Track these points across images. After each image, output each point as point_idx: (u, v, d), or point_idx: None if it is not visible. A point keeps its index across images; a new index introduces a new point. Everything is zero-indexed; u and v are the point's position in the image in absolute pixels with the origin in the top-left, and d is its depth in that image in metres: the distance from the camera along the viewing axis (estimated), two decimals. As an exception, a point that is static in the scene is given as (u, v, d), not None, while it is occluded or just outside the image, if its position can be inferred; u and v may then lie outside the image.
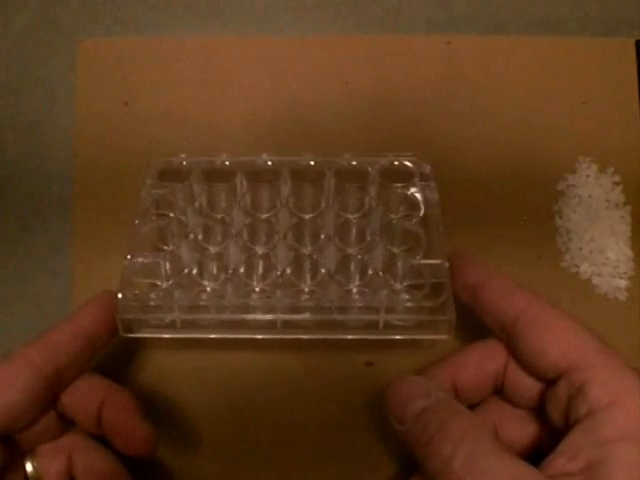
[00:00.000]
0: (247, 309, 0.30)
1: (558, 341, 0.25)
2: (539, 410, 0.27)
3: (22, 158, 0.37)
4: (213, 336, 0.30)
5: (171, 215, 0.33)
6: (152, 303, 0.30)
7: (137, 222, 0.31)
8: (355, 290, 0.32)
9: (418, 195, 0.33)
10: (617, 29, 0.39)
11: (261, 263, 0.33)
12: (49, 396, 0.27)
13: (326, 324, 0.30)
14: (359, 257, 0.32)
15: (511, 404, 0.28)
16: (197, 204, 0.33)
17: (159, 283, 0.31)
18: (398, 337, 0.30)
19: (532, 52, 0.38)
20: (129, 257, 0.30)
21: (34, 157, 0.37)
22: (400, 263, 0.31)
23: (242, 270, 0.32)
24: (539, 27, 0.39)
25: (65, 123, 0.37)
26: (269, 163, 0.34)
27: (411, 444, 0.25)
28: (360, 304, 0.30)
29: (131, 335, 0.30)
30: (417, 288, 0.31)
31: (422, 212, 0.33)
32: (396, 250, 0.32)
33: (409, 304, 0.30)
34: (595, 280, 0.35)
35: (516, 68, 0.38)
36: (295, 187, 0.34)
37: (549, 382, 0.26)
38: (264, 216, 0.33)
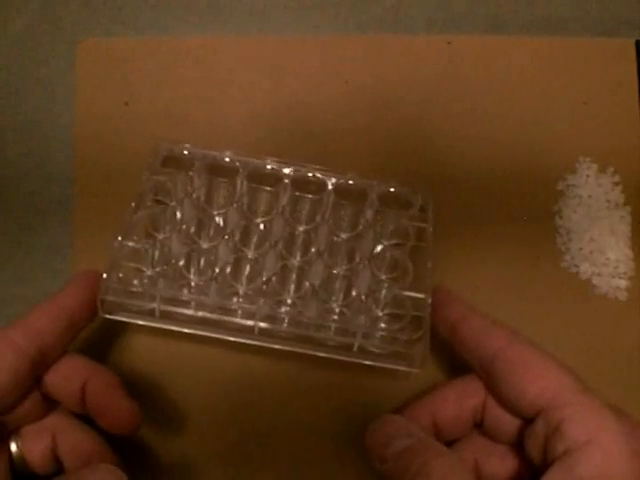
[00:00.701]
0: (227, 311, 0.30)
1: (536, 380, 0.25)
2: (519, 445, 0.27)
3: (22, 158, 0.37)
4: (189, 331, 0.30)
5: (168, 203, 0.33)
6: (134, 289, 0.30)
7: (133, 204, 0.31)
8: (336, 309, 0.32)
9: (412, 224, 0.33)
10: (617, 29, 0.39)
11: (248, 267, 0.33)
12: (33, 377, 0.27)
13: (302, 338, 0.30)
14: (345, 277, 0.33)
15: (491, 439, 0.28)
16: (195, 196, 0.33)
17: (145, 269, 0.31)
18: (369, 363, 0.30)
19: (532, 52, 0.38)
20: (119, 239, 0.30)
21: (34, 157, 0.37)
22: (384, 291, 0.32)
23: (228, 270, 0.32)
24: (539, 27, 0.39)
25: (65, 123, 0.37)
26: (272, 168, 0.34)
27: None
28: (337, 325, 0.30)
29: (109, 317, 0.30)
30: (397, 318, 0.31)
31: (413, 242, 0.33)
32: (382, 277, 0.32)
33: (385, 333, 0.30)
34: (595, 280, 0.35)
35: (516, 68, 0.38)
36: (294, 197, 0.34)
37: (527, 420, 0.26)
38: (259, 220, 0.34)
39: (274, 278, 0.31)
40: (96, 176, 0.36)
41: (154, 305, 0.29)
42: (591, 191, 0.36)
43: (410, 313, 0.31)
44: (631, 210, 0.36)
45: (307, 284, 0.31)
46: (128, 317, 0.30)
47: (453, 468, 0.24)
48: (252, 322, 0.29)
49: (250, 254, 0.33)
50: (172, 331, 0.31)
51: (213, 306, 0.30)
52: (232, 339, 0.30)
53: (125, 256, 0.30)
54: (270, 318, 0.30)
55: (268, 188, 0.34)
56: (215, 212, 0.33)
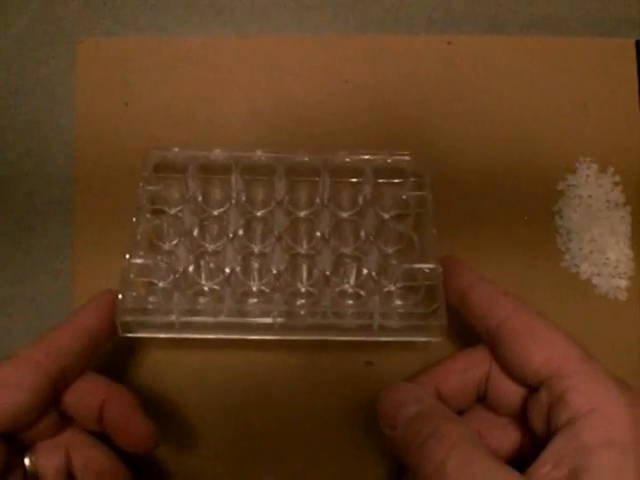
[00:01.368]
0: (244, 312, 0.30)
1: (540, 349, 0.26)
2: (521, 418, 0.27)
3: (22, 158, 0.37)
4: (211, 337, 0.30)
5: (167, 212, 0.33)
6: (151, 306, 0.30)
7: (134, 220, 0.32)
8: (350, 291, 0.33)
9: (411, 194, 0.33)
10: (617, 29, 0.39)
11: (257, 262, 0.33)
12: (53, 396, 0.27)
13: (322, 327, 0.30)
14: (354, 257, 0.33)
15: (494, 412, 0.29)
16: (192, 200, 0.33)
17: (157, 282, 0.32)
18: (392, 339, 0.30)
19: (532, 52, 0.38)
20: (128, 257, 0.30)
21: (34, 157, 0.37)
22: (394, 267, 0.32)
23: (239, 269, 0.32)
24: (539, 27, 0.39)
25: (65, 123, 0.37)
26: (264, 159, 0.34)
27: (403, 448, 0.26)
28: (355, 309, 0.30)
29: (130, 335, 0.30)
30: (411, 290, 0.32)
31: (414, 211, 0.33)
32: (390, 250, 0.33)
33: (402, 310, 0.30)
34: (595, 280, 0.35)
35: (516, 68, 0.38)
36: (290, 184, 0.34)
37: (531, 389, 0.26)
38: (259, 213, 0.34)
39: (285, 271, 0.31)
40: (96, 176, 0.36)
41: (172, 318, 0.30)
42: (591, 191, 0.36)
43: (424, 283, 0.31)
44: (631, 210, 0.36)
45: (318, 271, 0.31)
46: (148, 333, 0.30)
47: (464, 434, 0.24)
48: (271, 319, 0.30)
49: (257, 249, 0.33)
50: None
51: (230, 310, 0.30)
52: (253, 338, 0.30)
53: (136, 273, 0.31)
54: (287, 312, 0.30)
55: (263, 179, 0.34)
56: (215, 212, 0.33)
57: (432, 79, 0.38)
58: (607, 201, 0.36)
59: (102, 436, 0.29)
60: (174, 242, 0.32)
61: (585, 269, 0.35)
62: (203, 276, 0.33)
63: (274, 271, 0.31)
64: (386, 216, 0.33)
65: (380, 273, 0.32)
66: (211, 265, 0.33)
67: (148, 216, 0.33)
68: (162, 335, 0.30)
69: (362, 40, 0.38)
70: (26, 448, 0.28)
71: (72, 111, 0.37)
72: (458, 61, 0.38)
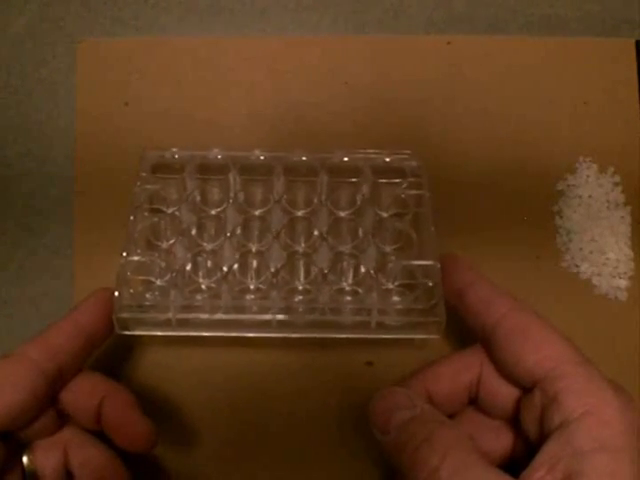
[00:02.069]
0: (242, 309, 0.30)
1: (534, 350, 0.25)
2: (513, 420, 0.27)
3: (22, 158, 0.37)
4: (208, 334, 0.30)
5: (165, 210, 0.33)
6: (148, 303, 0.30)
7: (131, 218, 0.32)
8: (348, 289, 0.32)
9: (409, 192, 0.33)
10: (617, 29, 0.39)
11: (255, 261, 0.33)
12: (50, 394, 0.27)
13: (319, 324, 0.30)
14: (352, 255, 0.33)
15: (486, 414, 0.28)
16: (190, 199, 0.33)
17: (154, 280, 0.32)
18: (390, 337, 0.30)
19: (532, 52, 0.38)
20: (124, 255, 0.30)
21: (34, 157, 0.37)
22: (392, 264, 0.31)
23: (236, 267, 0.32)
24: (539, 27, 0.39)
25: (65, 123, 0.37)
26: (262, 158, 0.34)
27: (395, 454, 0.25)
28: (352, 306, 0.30)
29: (127, 332, 0.30)
30: (409, 288, 0.31)
31: (413, 210, 0.33)
32: (388, 249, 0.33)
33: (400, 306, 0.30)
34: (595, 280, 0.35)
35: (516, 68, 0.38)
36: (287, 183, 0.34)
37: (525, 390, 0.26)
38: (257, 213, 0.34)
39: (282, 269, 0.31)
40: (97, 176, 0.36)
41: (169, 315, 0.30)
42: (591, 191, 0.36)
43: (422, 281, 0.31)
44: (631, 210, 0.36)
45: (316, 269, 0.31)
46: (145, 330, 0.30)
47: (457, 439, 0.24)
48: (268, 316, 0.30)
49: (254, 248, 0.33)
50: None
51: (227, 307, 0.30)
52: (250, 335, 0.30)
53: (132, 271, 0.31)
54: (285, 309, 0.30)
55: (261, 178, 0.34)
56: (213, 211, 0.33)
57: (432, 79, 0.38)
58: (607, 201, 0.36)
59: (101, 434, 0.29)
60: (171, 241, 0.32)
61: (585, 269, 0.35)
62: (200, 274, 0.33)
63: (272, 269, 0.31)
64: (385, 215, 0.33)
65: (378, 271, 0.31)
66: (209, 264, 0.33)
67: (146, 214, 0.33)
68: (159, 333, 0.30)
69: (362, 40, 0.38)
70: (24, 446, 0.28)
71: (72, 111, 0.37)
72: (458, 61, 0.38)
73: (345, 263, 0.33)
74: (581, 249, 0.35)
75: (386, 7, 0.39)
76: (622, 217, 0.36)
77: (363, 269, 0.32)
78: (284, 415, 0.34)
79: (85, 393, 0.28)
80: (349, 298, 0.32)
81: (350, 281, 0.33)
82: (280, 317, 0.30)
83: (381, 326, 0.30)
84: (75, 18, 0.39)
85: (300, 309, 0.30)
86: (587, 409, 0.23)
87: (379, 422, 0.26)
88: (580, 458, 0.22)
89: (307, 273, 0.33)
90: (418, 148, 0.34)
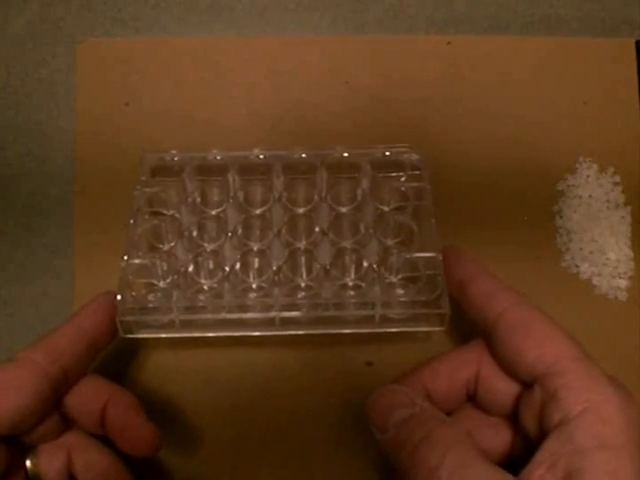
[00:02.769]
0: (245, 308, 0.30)
1: (535, 345, 0.25)
2: (512, 417, 0.27)
3: (22, 158, 0.37)
4: (212, 334, 0.30)
5: (165, 213, 0.33)
6: (151, 305, 0.30)
7: (132, 222, 0.32)
8: (351, 284, 0.32)
9: (409, 185, 0.33)
10: (617, 29, 0.39)
11: (257, 260, 0.33)
12: (54, 398, 0.27)
13: (323, 320, 0.30)
14: (353, 250, 0.33)
15: (484, 411, 0.28)
16: (190, 201, 0.33)
17: (157, 283, 0.32)
18: (394, 330, 0.30)
19: (532, 52, 0.38)
20: (126, 258, 0.30)
21: (34, 157, 0.37)
22: (394, 257, 0.31)
23: (238, 267, 0.32)
24: (539, 27, 0.39)
25: (65, 123, 0.37)
26: (261, 157, 0.34)
27: (394, 453, 0.25)
28: (355, 300, 0.30)
29: (131, 336, 0.30)
30: (412, 281, 0.31)
31: (413, 203, 0.33)
32: (390, 242, 0.32)
33: (404, 299, 0.30)
34: (595, 280, 0.35)
35: (516, 68, 0.38)
36: (287, 181, 0.34)
37: (525, 386, 0.26)
38: (258, 211, 0.34)
39: (284, 266, 0.31)
40: (97, 176, 0.36)
41: (172, 316, 0.30)
42: (591, 191, 0.36)
43: (424, 273, 0.31)
44: (631, 210, 0.36)
45: (318, 265, 0.31)
46: (149, 333, 0.30)
47: (457, 438, 0.24)
48: (272, 314, 0.30)
49: (256, 247, 0.33)
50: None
51: (230, 306, 0.30)
52: (254, 334, 0.30)
53: (134, 274, 0.31)
54: (288, 306, 0.30)
55: (260, 177, 0.34)
56: (213, 212, 0.33)
57: (432, 79, 0.38)
58: (607, 201, 0.36)
59: (105, 439, 0.29)
60: (172, 243, 0.32)
61: (585, 269, 0.35)
62: (202, 275, 0.33)
63: (274, 267, 0.31)
64: (385, 208, 0.33)
65: (380, 265, 0.31)
66: (210, 264, 0.33)
67: (146, 217, 0.33)
68: (163, 335, 0.30)
69: (362, 40, 0.38)
70: (28, 450, 0.28)
71: (72, 111, 0.37)
72: (458, 61, 0.38)
73: (347, 258, 0.33)
74: (581, 249, 0.35)
75: (386, 7, 0.39)
76: (622, 217, 0.36)
77: (365, 264, 0.32)
78: (285, 415, 0.34)
79: (89, 397, 0.28)
80: (352, 293, 0.32)
81: (353, 276, 0.33)
82: (283, 314, 0.30)
83: (385, 320, 0.30)
84: (75, 18, 0.39)
85: (303, 306, 0.30)
86: (587, 406, 0.23)
87: (377, 420, 0.26)
88: (580, 456, 0.22)
89: (309, 270, 0.33)
90: (418, 148, 0.34)
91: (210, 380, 0.34)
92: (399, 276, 0.32)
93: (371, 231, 0.32)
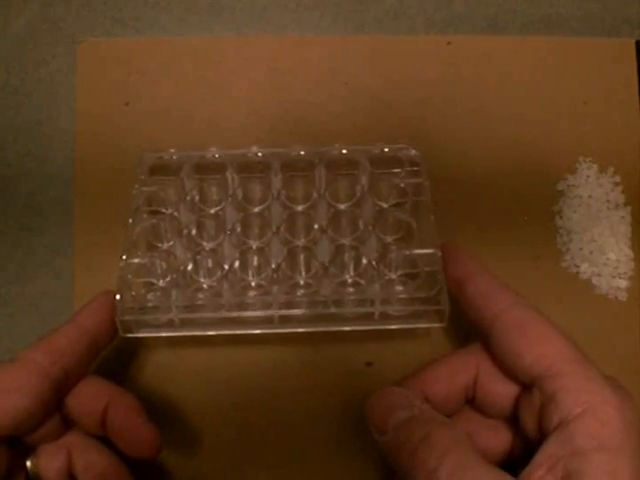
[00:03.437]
0: (244, 306, 0.30)
1: (532, 347, 0.25)
2: (511, 419, 0.27)
3: (22, 158, 0.37)
4: (211, 333, 0.30)
5: (164, 212, 0.33)
6: (150, 304, 0.30)
7: (130, 221, 0.32)
8: (350, 281, 0.32)
9: (408, 182, 0.33)
10: (617, 29, 0.39)
11: (256, 258, 0.33)
12: (56, 399, 0.27)
13: (323, 317, 0.30)
14: (352, 247, 0.32)
15: (483, 414, 0.28)
16: (189, 199, 0.33)
17: (156, 282, 0.32)
18: (394, 327, 0.30)
19: (532, 52, 0.38)
20: (124, 258, 0.30)
21: (34, 157, 0.37)
22: (393, 253, 0.31)
23: (237, 265, 0.32)
24: (539, 27, 0.39)
25: (65, 123, 0.37)
26: (259, 155, 0.34)
27: (393, 454, 0.25)
28: (355, 297, 0.30)
29: (131, 335, 0.30)
30: (411, 277, 0.31)
31: (412, 199, 0.33)
32: (389, 239, 0.32)
33: (403, 295, 0.30)
34: (595, 280, 0.35)
35: (516, 68, 0.38)
36: (286, 179, 0.34)
37: (524, 387, 0.26)
38: (256, 209, 0.34)
39: (283, 264, 0.31)
40: (97, 176, 0.36)
41: (172, 315, 0.30)
42: (591, 191, 0.36)
43: (423, 269, 0.30)
44: (631, 210, 0.36)
45: (317, 263, 0.31)
46: (149, 332, 0.30)
47: (456, 439, 0.24)
48: (271, 312, 0.30)
49: (255, 245, 0.33)
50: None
51: (229, 304, 0.30)
52: (254, 332, 0.30)
53: (133, 273, 0.31)
54: (287, 304, 0.30)
55: (259, 175, 0.34)
56: (212, 210, 0.33)
57: (432, 79, 0.38)
58: (607, 201, 0.36)
59: (105, 439, 0.29)
60: (171, 242, 0.32)
61: (585, 269, 0.35)
62: (201, 273, 0.33)
63: (273, 265, 0.31)
64: (384, 205, 0.33)
65: (380, 261, 0.31)
66: (209, 263, 0.33)
67: (145, 217, 0.33)
68: (162, 334, 0.30)
69: (362, 40, 0.38)
70: (28, 451, 0.28)
71: (72, 111, 0.37)
72: (458, 61, 0.38)
73: (346, 255, 0.33)
74: (581, 249, 0.35)
75: (386, 7, 0.39)
76: (622, 217, 0.36)
77: (364, 260, 0.32)
78: (286, 415, 0.34)
79: (90, 398, 0.28)
80: (351, 290, 0.32)
81: (352, 273, 0.33)
82: (282, 312, 0.30)
83: (384, 317, 0.30)
84: (75, 18, 0.39)
85: (302, 303, 0.30)
86: (585, 408, 0.23)
87: (377, 422, 0.26)
88: (580, 457, 0.22)
89: (308, 267, 0.33)
90: (418, 148, 0.34)
91: (210, 379, 0.34)
92: (398, 272, 0.32)
93: (370, 228, 0.32)
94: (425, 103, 0.37)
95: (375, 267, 0.31)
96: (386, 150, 0.34)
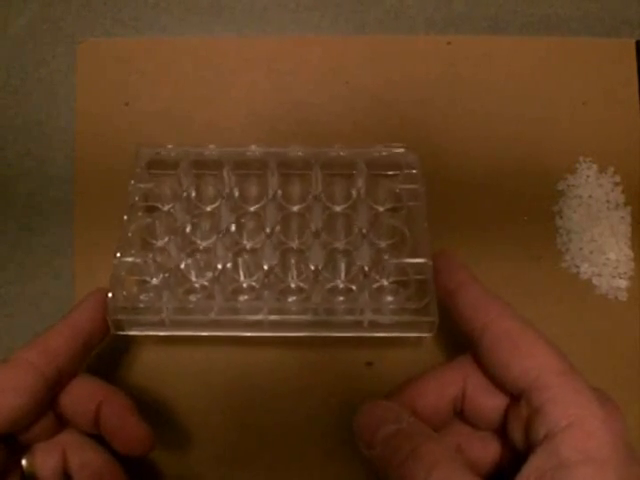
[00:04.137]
0: (235, 310, 0.30)
1: (520, 359, 0.25)
2: (500, 431, 0.27)
3: (22, 158, 0.37)
4: (202, 334, 0.30)
5: (159, 208, 0.33)
6: (142, 305, 0.30)
7: (125, 218, 0.32)
8: (341, 286, 0.32)
9: (404, 187, 0.33)
10: (617, 29, 0.39)
11: (248, 258, 0.33)
12: (49, 397, 0.27)
13: (312, 324, 0.30)
14: (345, 252, 0.33)
15: (473, 426, 0.28)
16: (185, 195, 0.33)
17: (149, 279, 0.32)
18: (382, 335, 0.30)
19: (532, 52, 0.38)
20: (118, 255, 0.30)
21: (34, 157, 0.37)
22: (385, 261, 0.31)
23: (229, 265, 0.32)
24: (539, 27, 0.39)
25: (65, 123, 0.37)
26: (257, 154, 0.34)
27: (382, 468, 0.25)
28: (345, 305, 0.30)
29: (122, 333, 0.30)
30: (402, 284, 0.31)
31: (407, 205, 0.33)
32: (382, 245, 0.33)
33: (393, 305, 0.30)
34: (595, 280, 0.35)
35: (516, 68, 0.38)
36: (282, 178, 0.34)
37: (512, 398, 0.26)
38: (252, 209, 0.33)
39: (275, 267, 0.31)
40: (96, 177, 0.36)
41: (162, 316, 0.30)
42: (591, 191, 0.36)
43: (414, 278, 0.31)
44: (631, 210, 0.36)
45: (309, 267, 0.31)
46: (139, 331, 0.30)
47: (443, 453, 0.24)
48: (261, 316, 0.30)
49: (248, 246, 0.33)
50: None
51: (220, 308, 0.30)
52: (244, 334, 0.30)
53: (127, 271, 0.31)
54: (278, 310, 0.30)
55: (256, 172, 0.34)
56: (207, 208, 0.33)
57: (432, 79, 0.38)
58: (607, 201, 0.36)
59: (100, 437, 0.29)
60: (165, 239, 0.32)
61: (585, 269, 0.35)
62: (194, 273, 0.33)
63: (265, 267, 0.31)
64: (380, 209, 0.33)
65: (372, 268, 0.31)
66: (202, 263, 0.33)
67: (140, 214, 0.33)
68: (153, 333, 0.30)
69: (362, 41, 0.38)
70: (23, 449, 0.28)
71: (72, 111, 0.37)
72: (458, 61, 0.38)
73: (339, 259, 0.33)
74: (581, 249, 0.35)
75: (386, 7, 0.39)
76: (622, 217, 0.36)
77: (357, 266, 0.32)
78: (284, 415, 0.34)
79: (83, 397, 0.28)
80: (342, 298, 0.32)
81: (343, 278, 0.33)
82: (272, 318, 0.30)
83: (374, 325, 0.30)
84: (75, 18, 0.39)
85: (293, 310, 0.30)
86: (572, 420, 0.23)
87: (365, 436, 0.26)
88: (566, 470, 0.22)
89: (300, 270, 0.33)
90: (418, 148, 0.34)
91: (205, 378, 0.34)
92: (390, 279, 0.32)
93: (364, 231, 0.32)
94: (425, 103, 0.37)
95: (367, 274, 0.31)
96: (384, 153, 0.34)
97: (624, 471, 0.22)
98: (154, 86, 0.37)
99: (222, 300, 0.30)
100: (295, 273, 0.33)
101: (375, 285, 0.32)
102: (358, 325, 0.30)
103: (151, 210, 0.34)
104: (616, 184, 0.36)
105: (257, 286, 0.32)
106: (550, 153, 0.37)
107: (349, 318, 0.30)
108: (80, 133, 0.37)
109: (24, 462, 0.28)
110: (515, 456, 0.26)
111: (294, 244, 0.33)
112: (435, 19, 0.39)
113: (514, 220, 0.36)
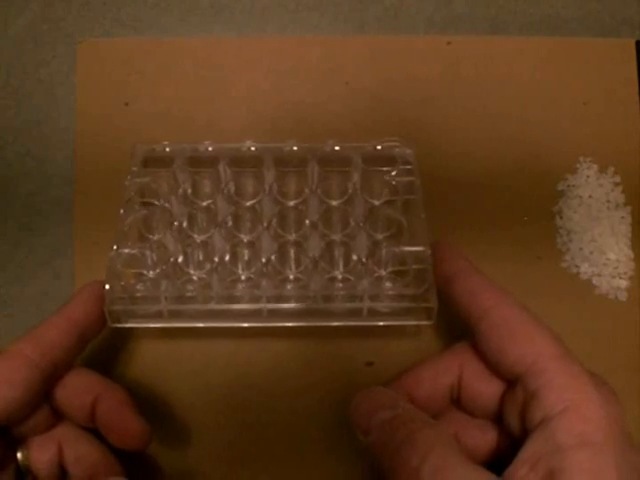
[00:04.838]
0: (233, 299, 0.30)
1: (516, 345, 0.25)
2: (497, 418, 0.27)
3: (22, 158, 0.37)
4: (200, 325, 0.30)
5: (156, 203, 0.33)
6: (139, 294, 0.30)
7: (122, 212, 0.32)
8: (339, 277, 0.32)
9: (400, 180, 0.33)
10: (617, 29, 0.39)
11: (246, 251, 0.33)
12: (44, 390, 0.27)
13: (311, 312, 0.30)
14: (343, 243, 0.33)
15: (469, 414, 0.28)
16: (181, 191, 0.33)
17: (146, 272, 0.32)
18: (381, 323, 0.30)
19: (532, 52, 0.38)
20: (115, 248, 0.30)
21: (34, 157, 0.37)
22: (383, 250, 0.31)
23: (227, 258, 0.32)
24: (539, 27, 0.39)
25: (65, 123, 0.37)
26: (252, 149, 0.34)
27: (377, 454, 0.25)
28: (344, 292, 0.30)
29: (119, 325, 0.30)
30: (401, 274, 0.31)
31: (403, 197, 0.33)
32: (379, 236, 0.32)
33: (392, 292, 0.30)
34: (595, 280, 0.35)
35: (516, 68, 0.38)
36: (278, 174, 0.34)
37: (509, 384, 0.26)
38: (248, 203, 0.33)
39: (273, 258, 0.31)
40: (97, 176, 0.36)
41: (161, 307, 0.30)
42: (591, 191, 0.36)
43: (413, 267, 0.30)
44: (631, 210, 0.36)
45: (307, 258, 0.31)
46: (137, 322, 0.30)
47: (438, 439, 0.24)
48: (259, 305, 0.30)
49: (245, 238, 0.33)
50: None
51: (218, 297, 0.30)
52: (243, 325, 0.30)
53: (124, 263, 0.30)
54: (276, 298, 0.30)
55: (252, 170, 0.34)
56: (204, 203, 0.33)
57: (432, 79, 0.38)
58: (607, 201, 0.36)
59: (95, 431, 0.29)
60: (162, 233, 0.32)
61: (585, 269, 0.35)
62: (191, 265, 0.33)
63: (263, 259, 0.31)
64: (376, 202, 0.33)
65: (369, 258, 0.31)
66: (200, 255, 0.33)
67: (136, 207, 0.33)
68: (151, 325, 0.30)
69: (362, 40, 0.38)
70: (19, 442, 0.28)
71: (72, 111, 0.37)
72: (458, 61, 0.38)
73: (336, 251, 0.33)
74: (581, 249, 0.35)
75: (386, 7, 0.39)
76: (622, 217, 0.36)
77: (354, 257, 0.32)
78: (283, 413, 0.34)
79: (79, 391, 0.28)
80: (340, 285, 0.32)
81: (341, 269, 0.33)
82: (271, 306, 0.30)
83: (373, 313, 0.30)
84: (75, 18, 0.39)
85: (291, 298, 0.30)
86: (567, 405, 0.23)
87: (360, 422, 0.26)
88: (561, 455, 0.22)
89: (298, 262, 0.33)
90: (418, 148, 0.34)
91: (202, 371, 0.34)
92: (388, 269, 0.32)
93: (361, 224, 0.32)
94: (425, 103, 0.37)
95: (365, 263, 0.31)
96: (379, 148, 0.34)
97: (620, 455, 0.22)
98: (154, 86, 0.37)
99: (220, 289, 0.30)
100: (293, 265, 0.33)
101: (373, 275, 0.31)
102: (357, 313, 0.30)
103: (147, 206, 0.34)
104: (616, 184, 0.36)
105: (255, 277, 0.32)
106: (550, 153, 0.37)
107: (348, 305, 0.30)
108: (80, 133, 0.37)
109: (19, 455, 0.28)
110: (512, 443, 0.26)
111: (291, 237, 0.33)
112: (435, 19, 0.39)
113: (514, 220, 0.36)
